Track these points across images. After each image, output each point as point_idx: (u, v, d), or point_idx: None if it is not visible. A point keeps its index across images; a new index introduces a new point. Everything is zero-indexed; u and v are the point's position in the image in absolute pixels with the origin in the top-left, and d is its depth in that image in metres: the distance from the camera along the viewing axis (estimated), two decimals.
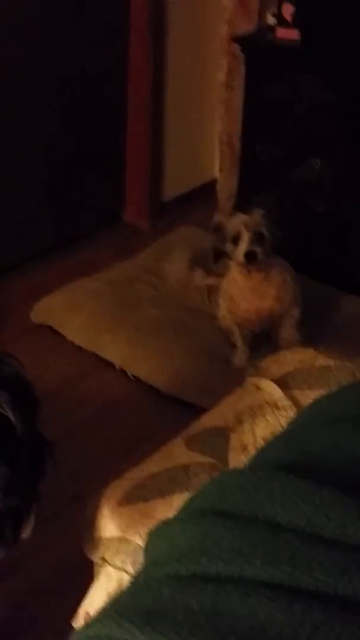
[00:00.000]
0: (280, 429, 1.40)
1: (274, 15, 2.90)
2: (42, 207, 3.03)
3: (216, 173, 3.46)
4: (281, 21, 2.80)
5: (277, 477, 0.41)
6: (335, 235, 2.85)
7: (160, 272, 2.93)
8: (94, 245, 3.19)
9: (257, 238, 2.30)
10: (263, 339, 2.55)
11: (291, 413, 1.50)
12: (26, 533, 1.25)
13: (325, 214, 2.85)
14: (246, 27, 3.03)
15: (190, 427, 1.62)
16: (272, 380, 1.63)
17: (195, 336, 2.58)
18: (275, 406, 1.54)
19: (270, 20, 2.96)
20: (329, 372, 1.60)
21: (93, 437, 2.27)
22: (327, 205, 2.84)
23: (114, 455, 2.15)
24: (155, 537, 0.44)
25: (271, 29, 2.90)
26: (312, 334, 2.58)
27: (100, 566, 1.42)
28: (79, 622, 1.45)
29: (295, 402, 1.55)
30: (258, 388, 1.63)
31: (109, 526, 1.39)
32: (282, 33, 2.80)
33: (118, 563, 1.35)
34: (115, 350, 2.54)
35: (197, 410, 1.91)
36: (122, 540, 1.36)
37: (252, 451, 1.44)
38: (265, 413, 1.53)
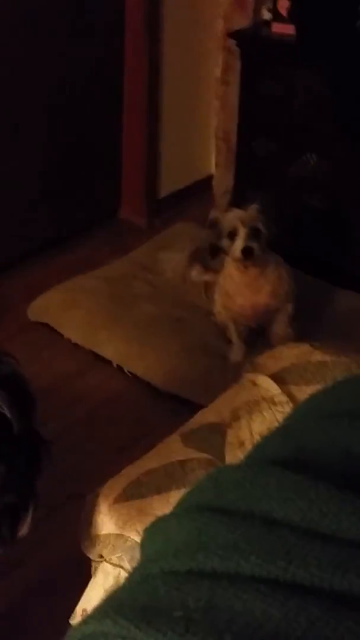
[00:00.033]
0: (276, 424, 1.40)
1: (269, 10, 2.89)
2: (38, 205, 3.02)
3: (212, 169, 3.46)
4: (276, 16, 2.79)
5: (273, 473, 0.40)
6: (331, 230, 2.85)
7: (157, 269, 2.93)
8: (90, 242, 3.19)
9: (254, 233, 2.30)
10: (259, 335, 2.55)
11: (287, 409, 1.50)
12: (23, 531, 1.25)
13: (320, 210, 2.85)
14: (242, 22, 3.02)
15: (187, 424, 1.62)
16: (268, 376, 1.63)
17: (192, 333, 2.58)
18: (271, 402, 1.54)
19: (266, 15, 2.95)
20: (325, 368, 1.60)
21: (90, 435, 2.27)
22: (322, 201, 2.84)
23: (111, 453, 2.15)
24: (151, 533, 0.44)
25: (267, 24, 2.89)
26: (307, 329, 2.58)
27: (98, 563, 1.42)
28: (76, 619, 1.45)
29: (291, 397, 1.55)
30: (254, 384, 1.63)
31: (106, 523, 1.39)
32: (278, 28, 2.79)
33: (115, 560, 1.35)
34: (112, 347, 2.54)
35: (194, 407, 1.92)
36: (119, 537, 1.36)
37: (248, 447, 1.44)
38: (261, 409, 1.53)
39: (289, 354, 1.70)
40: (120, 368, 2.51)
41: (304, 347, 1.72)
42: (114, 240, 3.21)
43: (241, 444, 1.46)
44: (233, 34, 2.97)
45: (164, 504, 1.35)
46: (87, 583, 1.46)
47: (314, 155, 2.79)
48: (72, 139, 3.07)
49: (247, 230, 2.29)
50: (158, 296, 2.77)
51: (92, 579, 1.44)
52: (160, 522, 0.44)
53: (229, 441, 1.49)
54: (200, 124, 3.43)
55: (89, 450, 2.21)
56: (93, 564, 1.46)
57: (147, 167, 3.27)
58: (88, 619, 0.38)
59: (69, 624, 1.44)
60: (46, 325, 2.69)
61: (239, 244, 2.29)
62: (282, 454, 0.45)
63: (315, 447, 0.44)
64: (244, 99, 2.95)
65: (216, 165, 3.39)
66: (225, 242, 2.33)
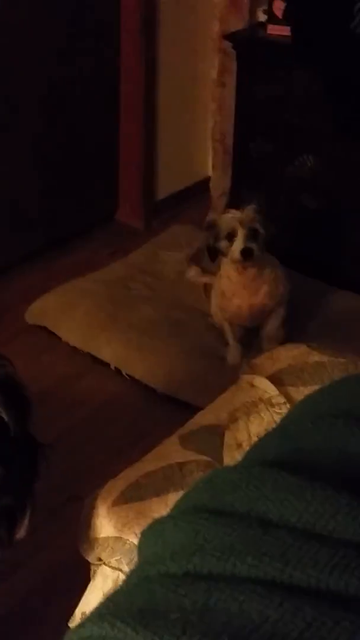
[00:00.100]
0: (274, 426, 1.40)
1: (264, 11, 2.90)
2: (35, 207, 3.02)
3: (209, 171, 3.46)
4: (272, 18, 2.80)
5: (269, 474, 0.40)
6: (328, 231, 2.86)
7: (155, 271, 2.93)
8: (88, 245, 3.19)
9: (252, 234, 2.30)
10: (255, 336, 2.55)
11: (285, 410, 1.50)
12: (21, 533, 1.25)
13: (317, 210, 2.85)
14: (237, 24, 3.03)
15: (185, 426, 1.62)
16: (266, 377, 1.64)
17: (190, 335, 2.58)
18: (269, 403, 1.54)
19: (261, 16, 2.96)
20: (323, 369, 1.60)
21: (88, 437, 2.27)
22: (319, 202, 2.84)
23: (109, 455, 2.15)
24: (148, 536, 0.44)
25: (262, 25, 2.90)
26: (304, 330, 2.58)
27: (97, 566, 1.42)
28: (75, 622, 1.45)
29: (289, 398, 1.55)
30: (252, 385, 1.63)
31: (104, 526, 1.39)
32: (273, 29, 2.80)
33: (114, 563, 1.35)
34: (110, 350, 2.54)
35: (192, 409, 1.91)
36: (117, 539, 1.36)
37: (246, 448, 1.43)
38: (259, 410, 1.53)
39: (286, 355, 1.70)
40: (118, 371, 2.51)
41: (301, 348, 1.72)
42: (112, 243, 3.22)
43: (239, 445, 1.46)
44: (229, 36, 2.98)
45: (163, 507, 1.35)
46: (86, 586, 1.46)
47: (310, 156, 2.79)
48: (69, 141, 3.07)
49: (246, 232, 2.29)
50: (156, 298, 2.77)
51: (91, 582, 1.44)
52: (157, 524, 0.44)
53: (227, 443, 1.49)
54: (197, 126, 3.44)
55: (88, 453, 2.21)
56: (92, 567, 1.45)
57: (144, 169, 3.27)
58: (85, 622, 0.37)
59: (68, 627, 1.44)
60: (44, 328, 2.69)
61: (238, 245, 2.29)
62: (278, 455, 0.45)
63: (312, 447, 0.44)
64: (240, 101, 2.95)
65: (213, 167, 3.39)
66: (223, 244, 2.33)
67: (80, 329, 2.61)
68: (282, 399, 1.54)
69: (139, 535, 0.46)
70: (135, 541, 1.33)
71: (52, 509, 1.94)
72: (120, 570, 1.35)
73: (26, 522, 1.24)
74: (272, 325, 2.52)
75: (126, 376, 2.49)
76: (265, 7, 2.89)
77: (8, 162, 2.85)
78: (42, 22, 2.80)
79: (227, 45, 3.01)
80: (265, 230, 2.31)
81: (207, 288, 2.74)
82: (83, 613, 1.43)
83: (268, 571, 0.35)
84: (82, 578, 1.49)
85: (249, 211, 2.31)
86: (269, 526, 0.37)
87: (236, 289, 2.44)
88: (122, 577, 1.35)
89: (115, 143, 3.26)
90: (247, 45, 2.95)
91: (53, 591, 1.80)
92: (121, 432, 2.29)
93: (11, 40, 2.72)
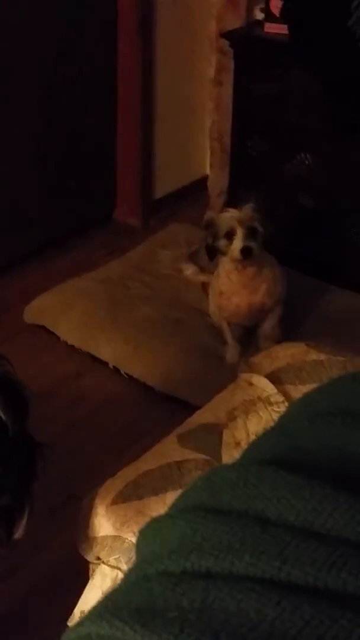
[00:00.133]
0: (272, 424, 1.40)
1: (262, 10, 2.90)
2: (34, 207, 3.02)
3: (207, 170, 3.46)
4: (269, 16, 2.80)
5: (267, 472, 0.40)
6: (326, 230, 2.86)
7: (153, 269, 2.93)
8: (86, 244, 3.19)
9: (251, 233, 2.29)
10: (253, 334, 2.55)
11: (283, 408, 1.50)
12: (19, 533, 1.25)
13: (315, 209, 2.85)
14: (234, 22, 3.02)
15: (184, 424, 1.62)
16: (264, 375, 1.64)
17: (188, 334, 2.58)
18: (267, 402, 1.54)
19: (259, 15, 2.96)
20: (321, 367, 1.60)
21: (87, 436, 2.27)
22: (317, 200, 2.84)
23: (108, 454, 2.15)
24: (146, 535, 0.44)
25: (259, 24, 2.90)
26: (302, 328, 2.58)
27: (96, 565, 1.42)
28: (74, 621, 1.45)
29: (287, 397, 1.55)
30: (250, 384, 1.63)
31: (103, 525, 1.39)
32: (271, 28, 2.80)
33: (113, 562, 1.35)
34: (108, 349, 2.54)
35: (191, 408, 1.92)
36: (116, 538, 1.36)
37: (245, 447, 1.43)
38: (257, 409, 1.53)
39: (285, 354, 1.70)
40: (117, 370, 2.51)
41: (300, 347, 1.72)
42: (110, 242, 3.21)
43: (237, 444, 1.46)
44: (226, 35, 2.98)
45: (161, 505, 1.35)
46: (85, 585, 1.46)
47: (308, 154, 2.79)
48: (68, 141, 3.07)
49: (245, 230, 2.29)
50: (154, 297, 2.77)
51: (90, 581, 1.44)
52: (154, 522, 0.44)
53: (225, 441, 1.49)
54: (195, 125, 3.44)
55: (87, 452, 2.21)
56: (91, 565, 1.45)
57: (142, 168, 3.27)
58: (83, 621, 0.37)
59: (68, 626, 1.44)
60: (43, 327, 2.69)
61: (237, 244, 2.29)
62: (276, 453, 0.45)
63: (310, 445, 0.44)
64: (238, 100, 2.95)
65: (211, 165, 3.39)
66: (222, 243, 2.33)
67: (79, 328, 2.61)
68: (280, 398, 1.54)
69: (137, 534, 0.46)
70: (134, 540, 1.33)
71: (51, 508, 1.94)
72: (119, 569, 1.35)
73: (24, 522, 1.24)
74: (269, 325, 2.52)
75: (125, 375, 2.49)
76: (262, 5, 2.88)
77: (6, 161, 2.85)
78: (41, 22, 2.79)
79: (225, 43, 3.01)
80: (264, 229, 2.31)
81: (205, 287, 2.74)
82: (82, 612, 1.43)
83: (266, 569, 0.35)
84: (81, 577, 1.49)
85: (248, 210, 2.31)
86: (266, 524, 0.37)
87: (235, 287, 2.44)
88: (120, 575, 1.35)
89: (113, 142, 3.26)
90: (244, 44, 2.95)
91: (53, 591, 1.80)
92: (120, 431, 2.29)
93: (11, 40, 2.72)
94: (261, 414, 1.51)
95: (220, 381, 2.01)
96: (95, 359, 2.55)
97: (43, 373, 2.48)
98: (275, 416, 1.49)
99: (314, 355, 1.66)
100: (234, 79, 2.96)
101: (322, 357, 1.65)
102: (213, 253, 2.41)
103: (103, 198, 3.32)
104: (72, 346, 2.60)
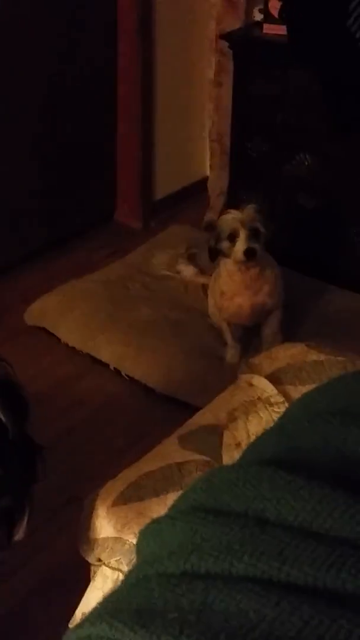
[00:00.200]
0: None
1: (260, 11, 2.90)
2: (34, 208, 3.02)
3: (207, 171, 3.46)
4: (268, 17, 2.80)
5: (266, 473, 0.40)
6: (325, 230, 2.86)
7: (152, 269, 2.93)
8: (86, 245, 3.19)
9: (254, 234, 2.29)
10: (253, 335, 2.55)
11: (284, 409, 1.50)
12: (19, 535, 1.24)
13: (315, 209, 2.85)
14: (233, 23, 3.03)
15: (184, 426, 1.62)
16: (264, 376, 1.63)
17: (189, 335, 2.58)
18: (267, 402, 1.54)
19: (257, 16, 2.96)
20: (321, 367, 1.60)
21: (88, 438, 2.27)
22: (317, 201, 2.84)
23: (109, 455, 2.15)
24: (146, 536, 0.44)
25: (258, 25, 2.90)
26: (302, 328, 2.58)
27: (97, 567, 1.42)
28: (76, 623, 1.45)
29: (287, 398, 1.55)
30: (250, 385, 1.63)
31: (104, 526, 1.39)
32: (269, 29, 2.80)
33: (114, 563, 1.35)
34: (109, 350, 2.54)
35: (191, 409, 1.92)
36: (117, 540, 1.36)
37: (245, 448, 1.43)
38: (258, 409, 1.53)
39: (285, 354, 1.70)
40: (117, 371, 2.51)
41: (300, 347, 1.72)
42: (110, 243, 3.22)
43: (238, 445, 1.46)
44: (225, 36, 2.98)
45: (162, 507, 1.35)
46: (86, 587, 1.46)
47: (307, 155, 2.79)
48: (68, 141, 3.07)
49: (248, 232, 2.28)
50: (155, 299, 2.77)
51: (91, 583, 1.44)
52: (154, 524, 0.44)
53: (225, 442, 1.49)
54: (194, 126, 3.44)
55: (87, 453, 2.21)
56: (92, 567, 1.45)
57: (143, 169, 3.27)
58: (84, 622, 0.37)
59: (68, 627, 1.44)
60: (43, 329, 2.69)
61: (240, 246, 2.28)
62: (275, 454, 0.45)
63: (309, 446, 0.44)
64: (237, 100, 2.95)
65: (211, 166, 3.39)
66: (225, 245, 2.32)
67: (79, 329, 2.61)
68: (280, 398, 1.54)
69: (138, 535, 0.46)
70: (135, 541, 1.33)
71: (52, 509, 1.94)
72: (120, 570, 1.35)
73: (25, 523, 1.24)
74: (271, 329, 2.52)
75: (125, 376, 2.49)
76: (261, 6, 2.89)
77: (6, 162, 2.85)
78: (42, 22, 2.80)
79: (224, 44, 3.01)
80: (266, 230, 2.31)
81: (205, 288, 2.74)
82: (83, 614, 1.43)
83: (265, 570, 0.35)
84: (82, 579, 1.49)
85: (250, 211, 2.30)
86: (266, 525, 0.37)
87: (238, 288, 2.44)
88: (121, 577, 1.35)
89: (113, 143, 3.26)
90: (243, 45, 2.95)
91: (53, 592, 1.80)
92: (120, 432, 2.29)
93: (11, 40, 2.72)
94: (261, 414, 1.51)
95: (220, 382, 2.01)
96: (95, 361, 2.55)
97: (43, 375, 2.48)
98: (276, 417, 1.49)
99: (313, 356, 1.66)
100: (234, 80, 2.97)
101: (322, 357, 1.65)
102: (215, 255, 2.40)
103: (103, 199, 3.32)
104: (73, 348, 2.60)
